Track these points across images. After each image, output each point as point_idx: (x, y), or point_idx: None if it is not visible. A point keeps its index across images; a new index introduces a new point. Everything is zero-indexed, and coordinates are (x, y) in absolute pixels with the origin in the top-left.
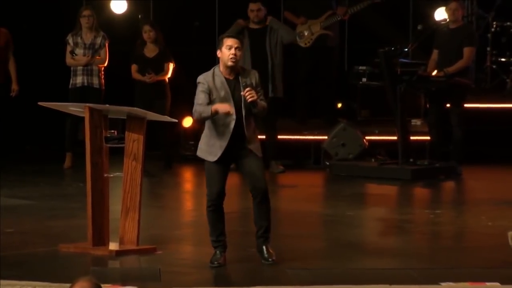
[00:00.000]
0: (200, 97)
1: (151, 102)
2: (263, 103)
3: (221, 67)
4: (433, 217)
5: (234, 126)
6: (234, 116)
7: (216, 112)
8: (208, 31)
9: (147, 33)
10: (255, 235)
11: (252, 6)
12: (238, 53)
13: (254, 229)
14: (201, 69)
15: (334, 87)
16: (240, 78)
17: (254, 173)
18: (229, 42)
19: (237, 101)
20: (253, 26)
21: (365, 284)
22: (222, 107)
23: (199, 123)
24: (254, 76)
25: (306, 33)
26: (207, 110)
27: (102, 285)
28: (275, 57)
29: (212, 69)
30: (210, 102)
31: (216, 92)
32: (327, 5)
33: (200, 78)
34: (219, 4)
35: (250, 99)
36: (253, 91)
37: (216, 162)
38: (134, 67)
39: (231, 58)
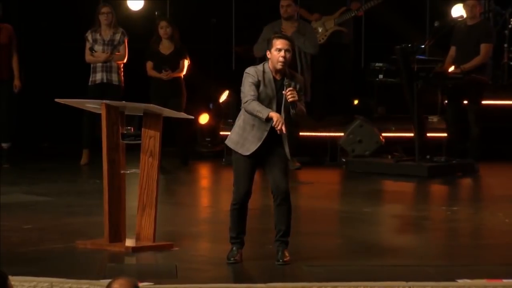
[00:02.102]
0: (251, 88)
1: (166, 99)
2: (302, 108)
3: (270, 65)
4: (450, 214)
5: (271, 125)
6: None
7: (270, 119)
8: (225, 28)
9: (164, 29)
10: (275, 236)
11: (283, 2)
12: (288, 55)
13: (272, 226)
14: (218, 66)
15: (350, 84)
16: (285, 78)
17: (278, 174)
18: (278, 44)
19: (278, 101)
20: (286, 26)
21: (382, 281)
22: (276, 117)
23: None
24: (299, 80)
25: (320, 30)
26: (264, 113)
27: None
28: (304, 59)
29: (262, 64)
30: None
31: (263, 88)
32: (341, 1)
33: (251, 70)
34: (236, 1)
35: (290, 99)
36: (294, 92)
37: (247, 159)
38: (149, 64)
39: (280, 61)
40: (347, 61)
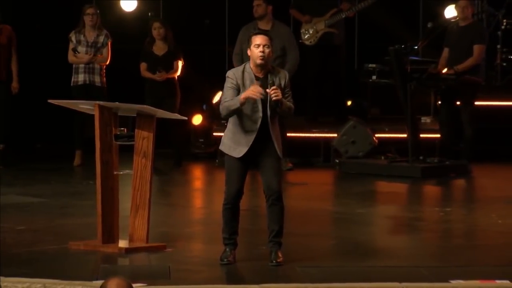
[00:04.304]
0: (228, 93)
1: (160, 100)
2: (289, 104)
3: (251, 64)
4: (443, 215)
5: (260, 124)
6: (260, 114)
7: (245, 101)
8: (218, 29)
9: (157, 30)
10: (268, 237)
11: (254, 1)
12: (267, 50)
13: (265, 227)
14: (211, 67)
15: (343, 85)
16: (269, 76)
17: (270, 174)
18: (257, 40)
19: (264, 100)
20: (261, 26)
21: (375, 282)
22: (250, 92)
23: (227, 118)
24: (283, 77)
25: (311, 31)
26: (235, 102)
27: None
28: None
29: (243, 65)
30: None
31: (244, 88)
32: (332, 3)
33: (229, 73)
34: (229, 2)
35: (274, 98)
36: (278, 90)
37: (238, 159)
38: (143, 65)
39: (260, 56)
40: (339, 62)
